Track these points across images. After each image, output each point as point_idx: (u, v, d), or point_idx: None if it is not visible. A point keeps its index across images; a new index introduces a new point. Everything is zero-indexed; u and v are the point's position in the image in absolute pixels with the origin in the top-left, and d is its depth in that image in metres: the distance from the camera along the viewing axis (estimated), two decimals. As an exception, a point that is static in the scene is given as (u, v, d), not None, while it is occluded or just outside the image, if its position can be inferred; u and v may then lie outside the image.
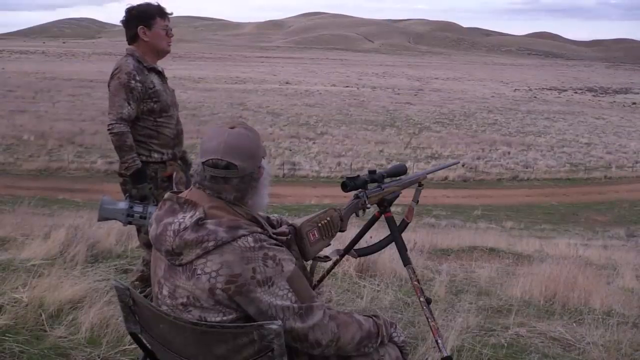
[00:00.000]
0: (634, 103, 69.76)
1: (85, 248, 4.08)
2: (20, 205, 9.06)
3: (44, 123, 34.68)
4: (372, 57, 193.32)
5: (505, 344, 2.94)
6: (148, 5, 2.86)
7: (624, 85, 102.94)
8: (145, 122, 2.85)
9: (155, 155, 2.89)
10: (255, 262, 1.41)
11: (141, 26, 2.83)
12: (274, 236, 1.52)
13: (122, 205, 2.77)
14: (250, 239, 1.43)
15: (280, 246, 1.50)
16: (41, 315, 2.80)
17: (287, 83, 75.19)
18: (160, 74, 2.94)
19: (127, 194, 2.82)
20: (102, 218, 2.81)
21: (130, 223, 2.77)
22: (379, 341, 1.66)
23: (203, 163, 1.51)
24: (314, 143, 35.14)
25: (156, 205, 2.79)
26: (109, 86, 2.81)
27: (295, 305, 1.44)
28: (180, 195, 1.54)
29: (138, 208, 2.76)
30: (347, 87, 73.30)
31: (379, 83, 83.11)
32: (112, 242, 4.43)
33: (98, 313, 2.76)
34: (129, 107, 2.75)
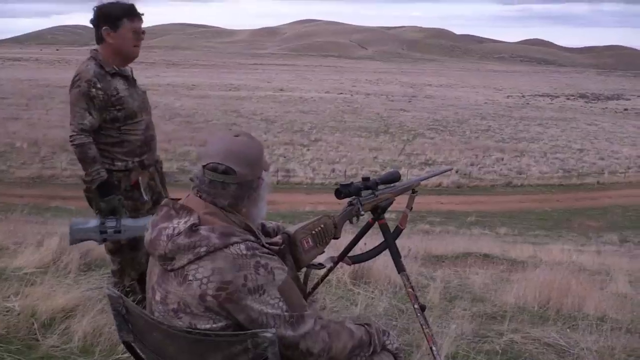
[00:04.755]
0: (626, 109, 70.30)
1: (78, 256, 4.05)
2: (12, 213, 8.98)
3: (37, 130, 34.55)
4: (365, 64, 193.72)
5: (500, 350, 2.93)
6: (115, 4, 2.66)
7: (616, 92, 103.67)
8: (108, 131, 2.70)
9: (119, 163, 2.73)
10: (247, 269, 1.40)
11: (106, 27, 2.64)
12: (267, 245, 1.52)
13: (93, 222, 2.60)
14: (242, 246, 1.43)
15: (273, 255, 1.50)
16: (33, 324, 2.77)
17: (281, 90, 75.26)
18: (126, 78, 2.76)
19: (97, 210, 2.66)
20: (75, 240, 2.66)
21: (105, 240, 2.63)
22: (371, 350, 1.66)
23: (203, 166, 1.51)
24: (308, 150, 35.24)
25: (129, 216, 2.65)
26: (70, 94, 2.65)
27: (286, 313, 1.44)
28: (177, 201, 1.54)
29: (110, 223, 2.59)
30: (341, 93, 73.44)
31: (372, 90, 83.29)
32: (105, 250, 4.40)
33: (91, 321, 2.73)
34: (91, 117, 2.60)
